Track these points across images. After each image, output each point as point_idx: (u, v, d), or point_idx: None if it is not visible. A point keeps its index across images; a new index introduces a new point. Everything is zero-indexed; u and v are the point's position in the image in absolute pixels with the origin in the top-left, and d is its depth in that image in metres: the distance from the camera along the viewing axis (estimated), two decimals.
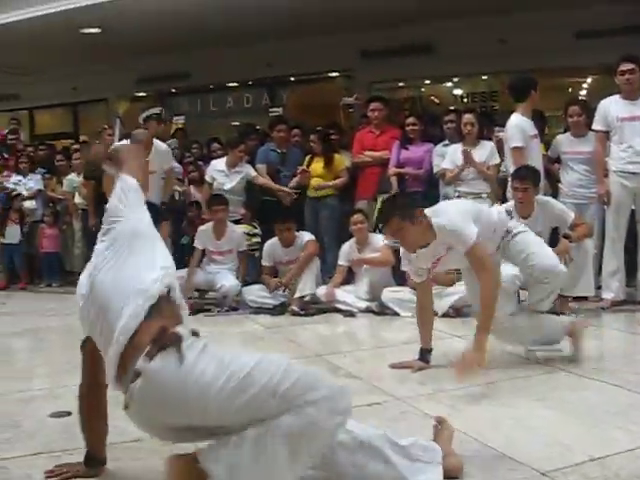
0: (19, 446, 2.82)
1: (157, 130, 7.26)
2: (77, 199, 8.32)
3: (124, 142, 5.41)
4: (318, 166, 6.89)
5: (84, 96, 12.52)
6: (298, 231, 6.15)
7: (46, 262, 8.50)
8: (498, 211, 4.31)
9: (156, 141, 6.47)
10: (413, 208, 3.64)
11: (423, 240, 3.65)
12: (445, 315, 5.40)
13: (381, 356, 4.24)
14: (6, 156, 9.26)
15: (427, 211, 3.70)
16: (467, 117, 6.25)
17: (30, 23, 8.89)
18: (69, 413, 3.15)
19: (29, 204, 8.60)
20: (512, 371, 3.79)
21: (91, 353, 2.38)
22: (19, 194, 8.54)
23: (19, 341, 5.29)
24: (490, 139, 6.41)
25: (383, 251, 5.89)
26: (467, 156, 6.05)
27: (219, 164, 7.13)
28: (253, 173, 6.99)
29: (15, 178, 8.71)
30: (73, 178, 8.38)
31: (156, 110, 7.40)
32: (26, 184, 8.65)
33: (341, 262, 6.12)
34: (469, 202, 4.67)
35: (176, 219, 7.47)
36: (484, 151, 6.18)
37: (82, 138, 11.67)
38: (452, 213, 3.71)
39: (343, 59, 10.18)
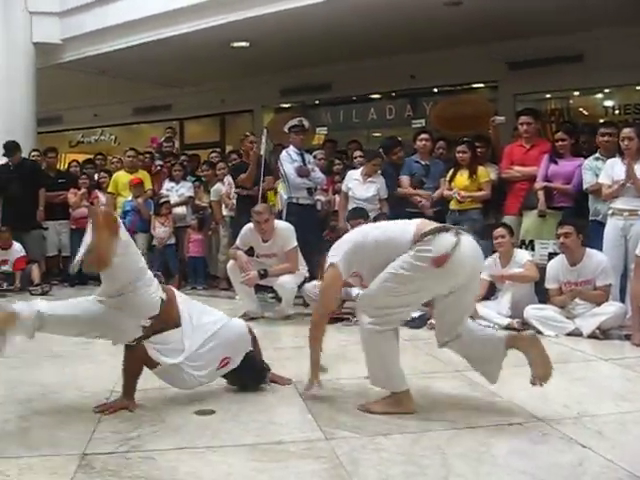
0: (166, 440, 2.95)
1: (298, 140, 7.48)
2: (224, 211, 8.54)
3: None
4: (462, 178, 6.79)
5: (231, 107, 13.03)
6: None
7: (192, 265, 8.80)
8: None
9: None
10: None
11: None
12: (592, 336, 5.17)
13: (521, 375, 4.09)
14: (161, 163, 9.73)
15: None
16: (626, 131, 5.81)
17: (185, 38, 9.32)
18: (213, 411, 3.26)
19: (180, 210, 8.91)
20: None
21: None
22: (167, 201, 8.78)
23: None
24: None
25: (527, 266, 5.72)
26: (630, 171, 5.61)
27: (355, 173, 7.36)
28: (384, 187, 7.25)
29: (168, 184, 9.09)
30: (219, 187, 8.62)
31: (295, 121, 7.63)
32: (178, 190, 8.98)
33: (483, 276, 5.96)
34: None
35: (319, 228, 7.65)
36: None
37: (228, 148, 12.14)
38: None
39: (488, 70, 10.00)
